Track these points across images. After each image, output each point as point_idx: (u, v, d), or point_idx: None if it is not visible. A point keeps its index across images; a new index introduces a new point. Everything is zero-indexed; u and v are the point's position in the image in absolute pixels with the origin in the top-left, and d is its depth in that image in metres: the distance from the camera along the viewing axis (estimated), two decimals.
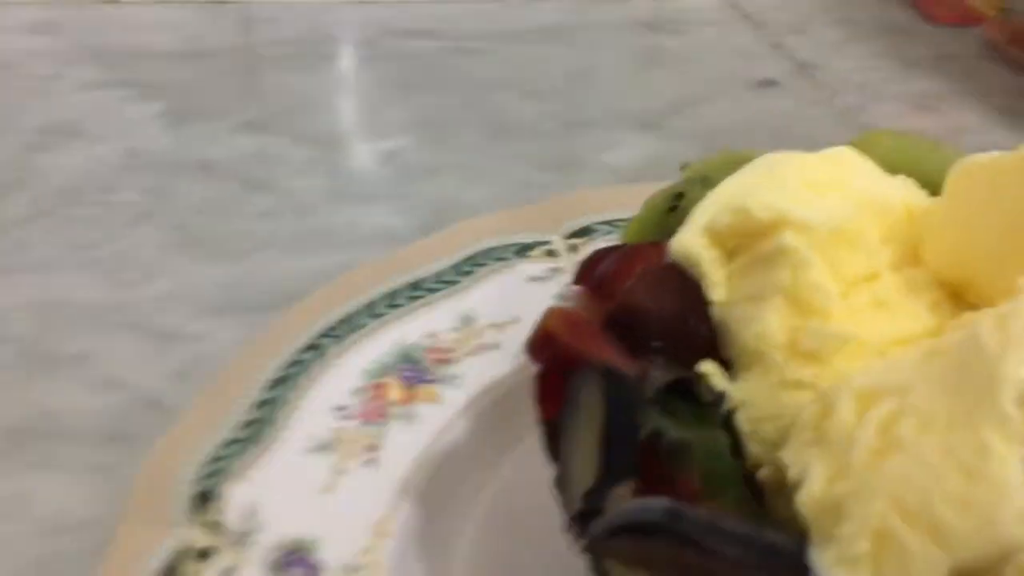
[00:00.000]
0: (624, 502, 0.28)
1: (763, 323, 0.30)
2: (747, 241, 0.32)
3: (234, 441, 0.38)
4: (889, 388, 0.26)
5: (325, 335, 0.43)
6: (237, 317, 0.50)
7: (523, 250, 0.49)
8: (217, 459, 0.37)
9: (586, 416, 0.30)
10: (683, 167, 0.39)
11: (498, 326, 0.45)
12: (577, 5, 1.00)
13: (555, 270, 0.48)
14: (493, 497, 0.39)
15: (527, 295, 0.45)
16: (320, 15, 0.95)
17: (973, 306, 0.31)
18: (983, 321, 0.25)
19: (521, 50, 0.90)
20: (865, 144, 0.37)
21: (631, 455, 0.28)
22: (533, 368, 0.33)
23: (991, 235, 0.30)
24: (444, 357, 0.44)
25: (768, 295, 0.31)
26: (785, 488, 0.28)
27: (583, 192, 0.57)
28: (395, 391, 0.41)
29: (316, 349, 0.42)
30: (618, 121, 0.77)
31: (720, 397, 0.30)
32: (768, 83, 0.85)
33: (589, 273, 0.34)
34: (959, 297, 0.31)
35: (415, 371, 0.43)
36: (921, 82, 0.85)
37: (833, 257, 0.31)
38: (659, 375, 0.30)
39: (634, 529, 0.26)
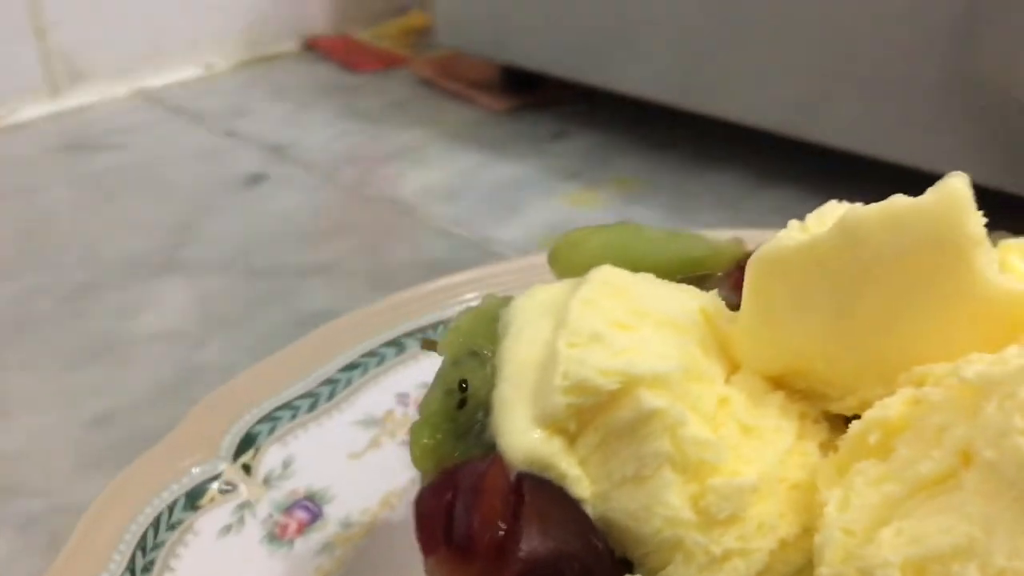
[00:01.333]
0: None
1: (664, 505, 0.28)
2: (592, 417, 0.29)
3: (287, 406, 0.46)
4: (952, 551, 0.24)
5: (409, 335, 0.50)
6: None
7: None
8: (269, 418, 0.45)
9: None
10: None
11: None
12: None
13: None
14: None
15: None
16: None
17: (809, 395, 0.30)
18: (1009, 406, 0.24)
19: None
20: (570, 249, 0.36)
21: None
22: None
23: (803, 322, 0.29)
24: None
25: (651, 471, 0.28)
26: None
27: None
28: None
29: (397, 345, 0.49)
30: (117, 272, 0.68)
31: None
32: (253, 178, 0.80)
33: (445, 534, 0.28)
34: (790, 388, 0.30)
35: None
36: (390, 133, 0.88)
37: (692, 400, 0.29)
38: None
39: None
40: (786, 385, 0.31)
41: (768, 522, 0.28)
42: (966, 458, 0.25)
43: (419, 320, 0.51)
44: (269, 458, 0.44)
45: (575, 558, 0.27)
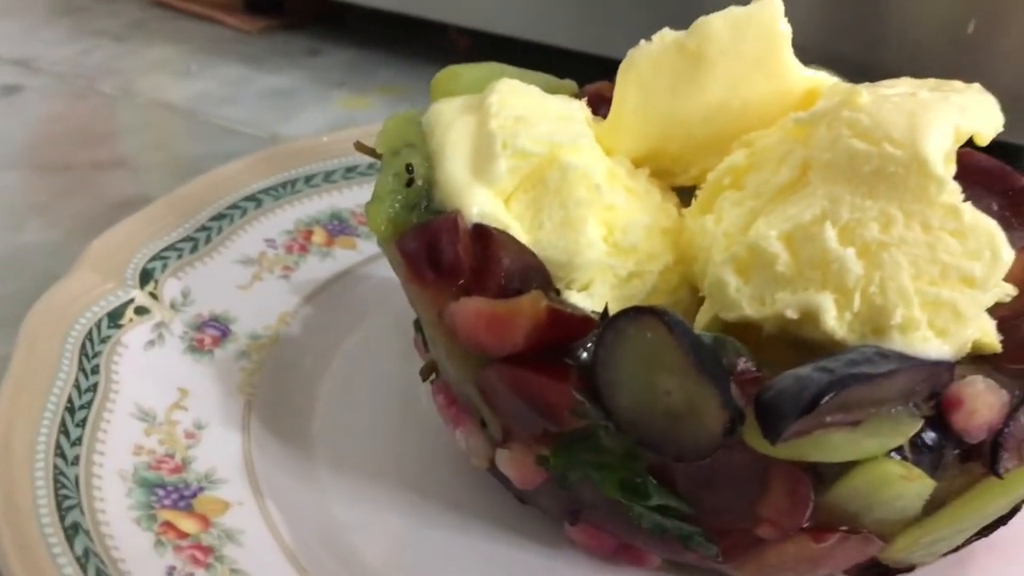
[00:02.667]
0: (743, 400, 0.29)
1: (587, 239, 0.35)
2: (523, 180, 0.36)
3: (174, 248, 0.50)
4: (803, 221, 0.32)
5: (264, 192, 0.55)
6: None
7: None
8: (158, 257, 0.50)
9: (643, 356, 0.31)
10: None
11: None
12: None
13: None
14: (378, 323, 0.50)
15: None
16: None
17: (662, 173, 0.39)
18: (839, 128, 0.33)
19: None
20: (450, 80, 0.42)
21: (722, 366, 0.30)
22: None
23: (674, 108, 0.38)
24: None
25: (576, 216, 0.36)
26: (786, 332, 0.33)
27: None
28: (319, 236, 0.54)
29: (255, 200, 0.55)
30: None
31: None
32: (12, 89, 0.81)
33: (432, 265, 0.35)
34: (656, 170, 0.39)
35: (340, 226, 0.55)
36: (149, 50, 0.90)
37: (594, 165, 0.37)
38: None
39: (816, 399, 0.28)
40: (644, 165, 0.40)
41: (654, 253, 0.37)
42: (807, 167, 0.34)
43: (273, 179, 0.57)
44: (169, 289, 0.48)
45: (538, 269, 0.35)
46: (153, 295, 0.47)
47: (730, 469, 0.32)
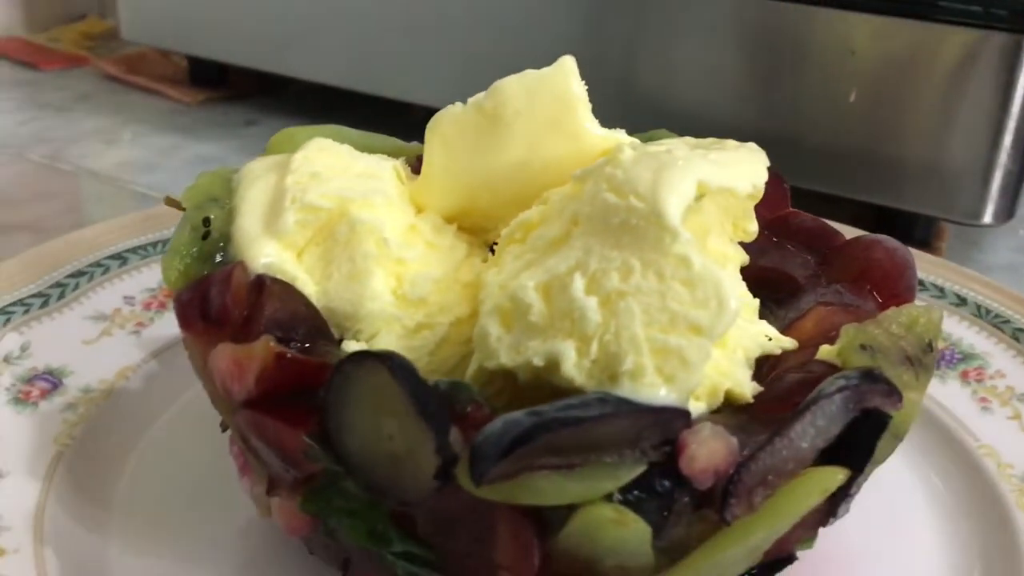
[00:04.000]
0: (463, 444, 0.29)
1: (371, 291, 0.36)
2: (314, 234, 0.37)
3: (19, 303, 0.51)
4: (558, 271, 0.33)
5: (132, 250, 0.56)
6: None
7: None
8: (2, 312, 0.50)
9: (372, 401, 0.30)
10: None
11: None
12: None
13: None
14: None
15: None
16: None
17: (474, 229, 0.40)
18: (600, 183, 0.34)
19: None
20: (285, 140, 0.44)
21: (443, 405, 0.30)
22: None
23: (478, 167, 0.39)
24: None
25: (362, 268, 0.36)
26: (539, 380, 0.33)
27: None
28: None
29: (120, 259, 0.56)
30: None
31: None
32: None
33: (201, 314, 0.35)
34: (460, 224, 0.40)
35: None
36: (88, 120, 0.92)
37: (388, 220, 0.38)
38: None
39: (520, 442, 0.28)
40: (456, 222, 0.41)
41: (447, 306, 0.38)
42: (575, 222, 0.35)
43: (143, 239, 0.58)
44: (6, 343, 0.49)
45: (306, 319, 0.36)
46: None
47: (459, 514, 0.31)
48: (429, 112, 0.41)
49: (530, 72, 0.39)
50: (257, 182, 0.40)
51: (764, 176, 0.37)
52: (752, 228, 0.39)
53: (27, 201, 0.77)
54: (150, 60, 1.05)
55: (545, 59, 0.40)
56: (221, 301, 0.35)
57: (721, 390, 0.34)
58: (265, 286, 0.36)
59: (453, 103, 0.40)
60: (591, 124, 0.39)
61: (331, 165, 0.39)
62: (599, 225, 0.33)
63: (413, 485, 0.30)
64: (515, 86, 0.39)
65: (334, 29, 0.85)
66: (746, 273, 0.39)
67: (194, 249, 0.39)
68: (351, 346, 0.36)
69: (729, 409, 0.35)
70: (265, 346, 0.32)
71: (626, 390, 0.31)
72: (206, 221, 0.39)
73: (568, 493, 0.30)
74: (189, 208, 0.40)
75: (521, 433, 0.28)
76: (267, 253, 0.37)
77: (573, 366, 0.32)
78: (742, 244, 0.40)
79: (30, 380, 0.47)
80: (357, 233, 0.37)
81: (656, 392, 0.31)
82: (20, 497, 0.41)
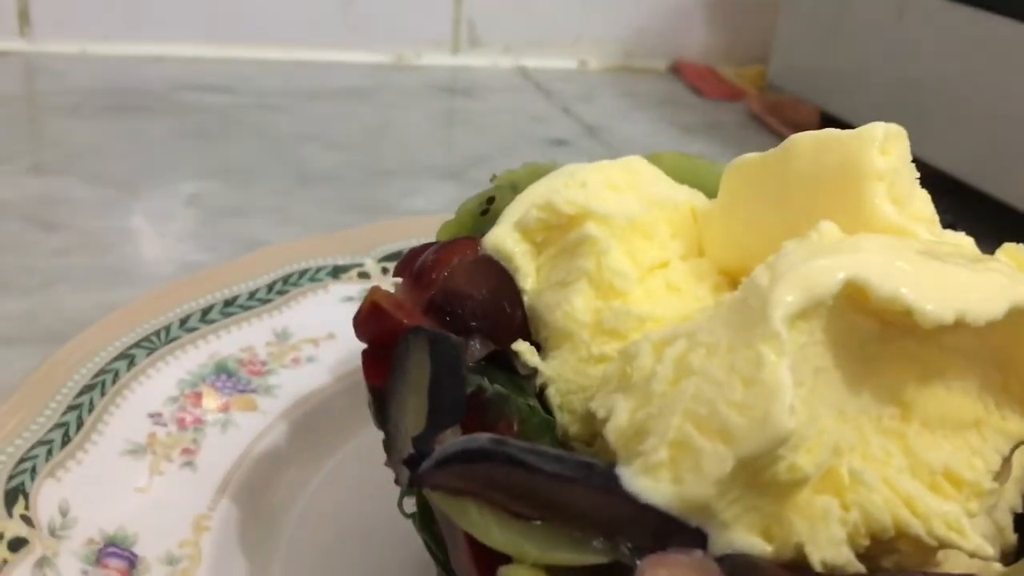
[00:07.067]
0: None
1: (570, 305, 0.34)
2: (554, 234, 0.36)
3: (41, 443, 0.37)
4: (681, 333, 0.29)
5: (137, 346, 0.43)
6: (29, 347, 0.49)
7: (337, 271, 0.51)
8: (25, 459, 0.36)
9: (414, 376, 0.31)
10: (493, 178, 0.42)
11: (313, 341, 0.47)
12: (373, 71, 1.07)
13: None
14: (309, 497, 0.41)
15: (341, 313, 0.46)
16: (107, 69, 0.97)
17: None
18: (758, 268, 0.28)
19: (320, 107, 0.95)
20: (652, 160, 0.40)
21: (457, 404, 0.30)
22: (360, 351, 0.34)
23: (760, 224, 0.34)
24: (260, 369, 0.45)
25: (573, 280, 0.34)
26: (595, 440, 0.30)
27: (393, 221, 0.59)
28: (211, 399, 0.42)
29: (127, 358, 0.42)
30: (419, 172, 0.82)
31: (533, 371, 0.33)
32: (559, 142, 0.92)
33: (408, 266, 0.36)
34: (736, 282, 0.32)
35: (231, 381, 0.44)
36: (695, 145, 0.95)
37: (630, 246, 0.34)
38: (479, 347, 0.32)
39: (462, 458, 0.27)
40: (734, 281, 0.34)
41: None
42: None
43: (142, 329, 0.45)
44: (43, 504, 0.35)
45: (476, 302, 0.34)
46: (27, 518, 0.35)
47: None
48: None
49: (829, 130, 0.33)
50: (551, 177, 0.38)
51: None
52: None
53: None
54: (790, 106, 1.08)
55: None
56: (430, 260, 0.36)
57: (790, 544, 0.27)
58: (464, 262, 0.35)
59: None
60: (881, 201, 0.32)
61: (614, 181, 0.37)
62: (739, 295, 0.29)
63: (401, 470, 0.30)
64: (805, 143, 0.33)
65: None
66: None
67: (472, 221, 0.39)
68: (520, 347, 0.34)
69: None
70: (373, 290, 0.34)
71: (629, 471, 0.27)
72: (489, 200, 0.39)
73: (490, 537, 0.27)
74: (492, 188, 0.40)
75: (468, 450, 0.28)
76: (503, 237, 0.36)
77: (614, 428, 0.28)
78: None
79: (99, 560, 0.34)
80: (582, 246, 0.35)
81: (654, 486, 0.27)
82: None
